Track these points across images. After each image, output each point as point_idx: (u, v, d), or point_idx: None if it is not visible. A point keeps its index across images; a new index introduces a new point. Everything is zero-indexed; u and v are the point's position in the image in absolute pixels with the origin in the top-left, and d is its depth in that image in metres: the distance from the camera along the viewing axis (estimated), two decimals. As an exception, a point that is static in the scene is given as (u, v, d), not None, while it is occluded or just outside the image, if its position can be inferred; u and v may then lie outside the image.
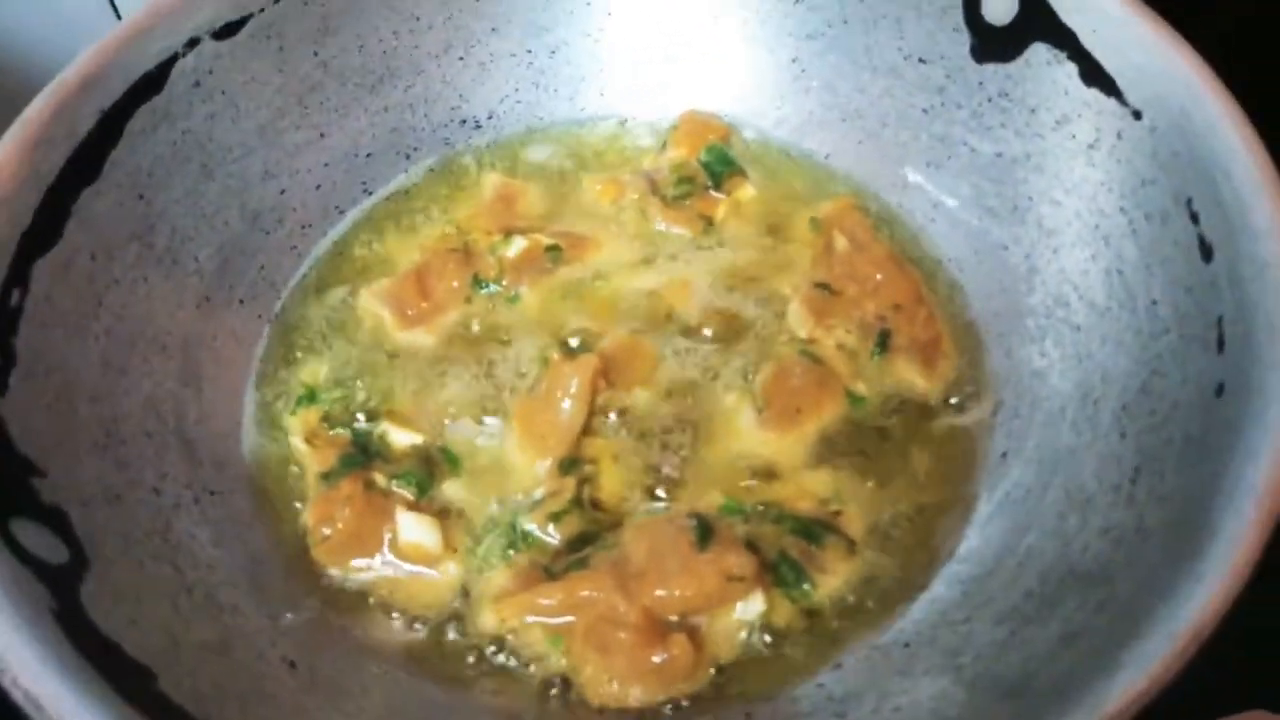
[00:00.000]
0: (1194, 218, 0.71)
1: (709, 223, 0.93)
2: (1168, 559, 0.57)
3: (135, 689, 0.55)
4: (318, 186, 0.94)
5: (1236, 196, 0.67)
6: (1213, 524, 0.55)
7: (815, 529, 0.74)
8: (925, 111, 0.93)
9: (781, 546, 0.73)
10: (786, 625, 0.71)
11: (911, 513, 0.76)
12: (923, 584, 0.73)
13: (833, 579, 0.72)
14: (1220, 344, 0.65)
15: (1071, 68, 0.82)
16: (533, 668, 0.71)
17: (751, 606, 0.70)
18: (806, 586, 0.72)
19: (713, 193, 0.95)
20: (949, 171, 0.92)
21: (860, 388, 0.82)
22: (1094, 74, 0.80)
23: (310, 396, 0.82)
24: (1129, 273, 0.77)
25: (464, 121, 1.01)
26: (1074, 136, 0.83)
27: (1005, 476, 0.76)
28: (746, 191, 0.95)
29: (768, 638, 0.71)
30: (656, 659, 0.68)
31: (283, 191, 0.92)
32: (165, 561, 0.68)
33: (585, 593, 0.70)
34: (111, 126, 0.80)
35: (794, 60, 0.98)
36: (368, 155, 0.97)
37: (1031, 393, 0.80)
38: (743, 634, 0.71)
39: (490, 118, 1.01)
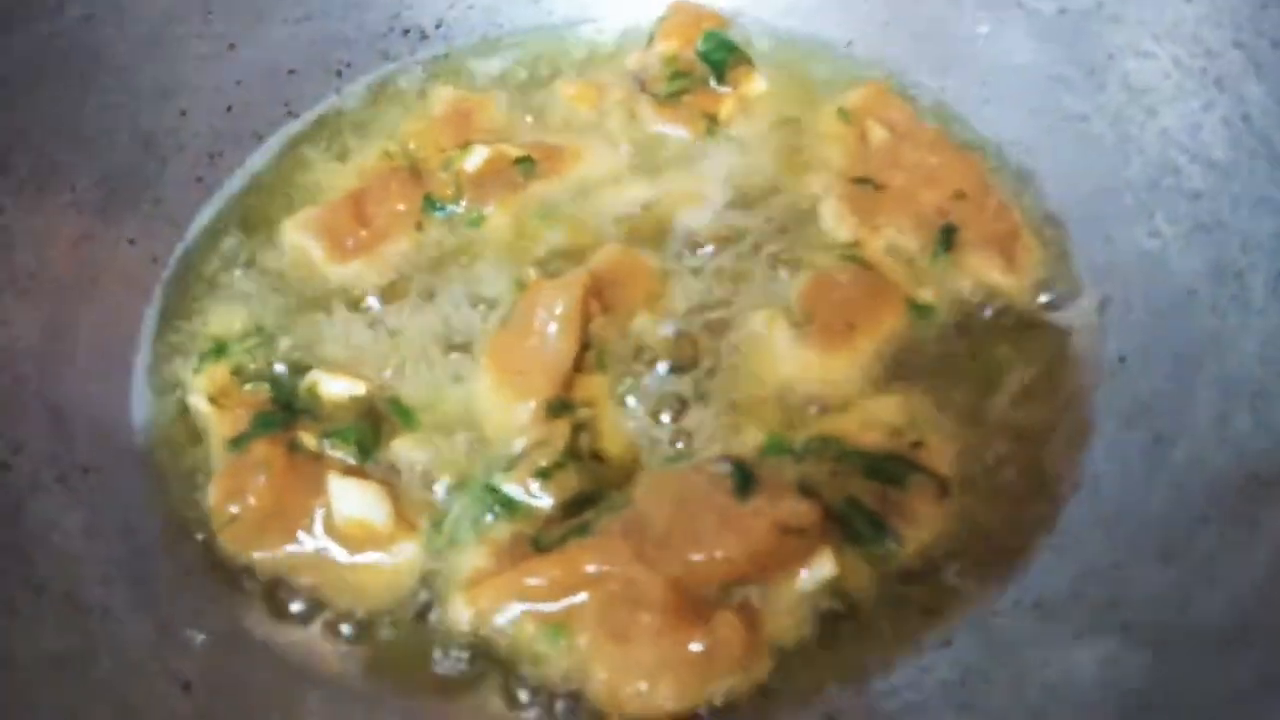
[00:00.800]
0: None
1: (713, 121, 0.76)
2: None
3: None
4: (229, 108, 0.76)
5: None
6: None
7: (891, 466, 0.56)
8: (965, -26, 0.76)
9: (849, 491, 0.55)
10: (867, 593, 0.53)
11: (1012, 439, 0.58)
12: (1043, 525, 0.54)
13: (922, 530, 0.54)
14: None
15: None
16: (526, 673, 0.51)
17: (819, 570, 0.52)
18: (889, 541, 0.53)
19: (715, 87, 0.77)
20: (1001, 41, 0.76)
21: (925, 294, 0.64)
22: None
23: (219, 350, 0.64)
24: (1257, 116, 0.61)
25: (406, 31, 0.84)
26: None
27: (1129, 383, 0.59)
28: (756, 85, 0.78)
29: (843, 610, 0.52)
30: (695, 646, 0.49)
31: (183, 112, 0.74)
32: (7, 552, 0.49)
33: (590, 567, 0.52)
34: (-52, 19, 0.62)
35: (798, -66, 0.82)
36: (290, 71, 0.79)
37: (1145, 280, 0.63)
38: (810, 607, 0.52)
39: (439, 26, 0.84)
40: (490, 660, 0.52)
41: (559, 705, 0.51)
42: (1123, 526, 0.52)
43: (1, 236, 0.62)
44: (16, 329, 0.60)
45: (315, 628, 0.54)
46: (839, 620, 0.52)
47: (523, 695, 0.51)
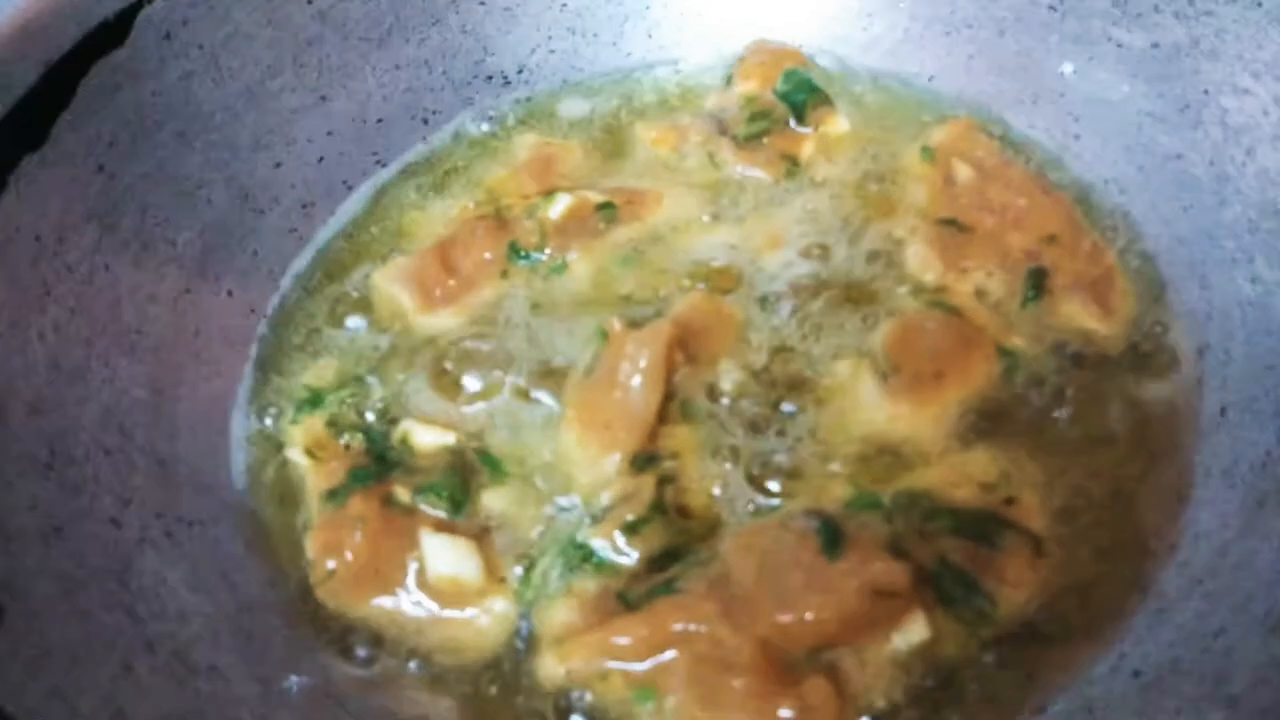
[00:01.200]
0: None
1: (793, 163, 0.76)
2: None
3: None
4: (320, 159, 0.79)
5: None
6: None
7: (984, 524, 0.55)
8: (1052, 8, 0.75)
9: (940, 551, 0.54)
10: (960, 657, 0.52)
11: (1108, 495, 0.57)
12: (1139, 587, 0.53)
13: (1016, 590, 0.53)
14: None
15: (1253, -85, 0.64)
16: (614, 732, 0.52)
17: (911, 633, 0.51)
18: (982, 603, 0.53)
19: (795, 127, 0.77)
20: (1091, 77, 0.75)
21: (1015, 341, 0.63)
22: (1289, -84, 0.62)
23: (314, 400, 0.66)
24: (1367, 159, 0.58)
25: (490, 77, 0.85)
26: (1260, 4, 0.65)
27: (1230, 437, 0.57)
28: (837, 124, 0.77)
29: (934, 676, 0.51)
30: (785, 712, 0.49)
31: (278, 165, 0.77)
32: (119, 610, 0.52)
33: (678, 625, 0.52)
34: (60, 83, 0.65)
35: (879, -31, 0.81)
36: (378, 121, 0.81)
37: (1246, 328, 0.61)
38: (901, 671, 0.51)
39: (520, 72, 0.86)
40: (579, 715, 0.53)
41: (647, 764, 0.51)
42: (1225, 592, 0.50)
43: (109, 294, 0.65)
44: (124, 385, 0.63)
45: (409, 678, 0.55)
46: (930, 685, 0.51)
47: (612, 754, 0.52)
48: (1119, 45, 0.72)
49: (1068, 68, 0.75)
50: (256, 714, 0.50)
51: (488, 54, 0.85)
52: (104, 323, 0.64)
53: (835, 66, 0.82)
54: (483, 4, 0.84)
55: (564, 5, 0.86)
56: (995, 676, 0.51)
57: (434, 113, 0.84)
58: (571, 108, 0.84)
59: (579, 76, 0.86)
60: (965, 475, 0.58)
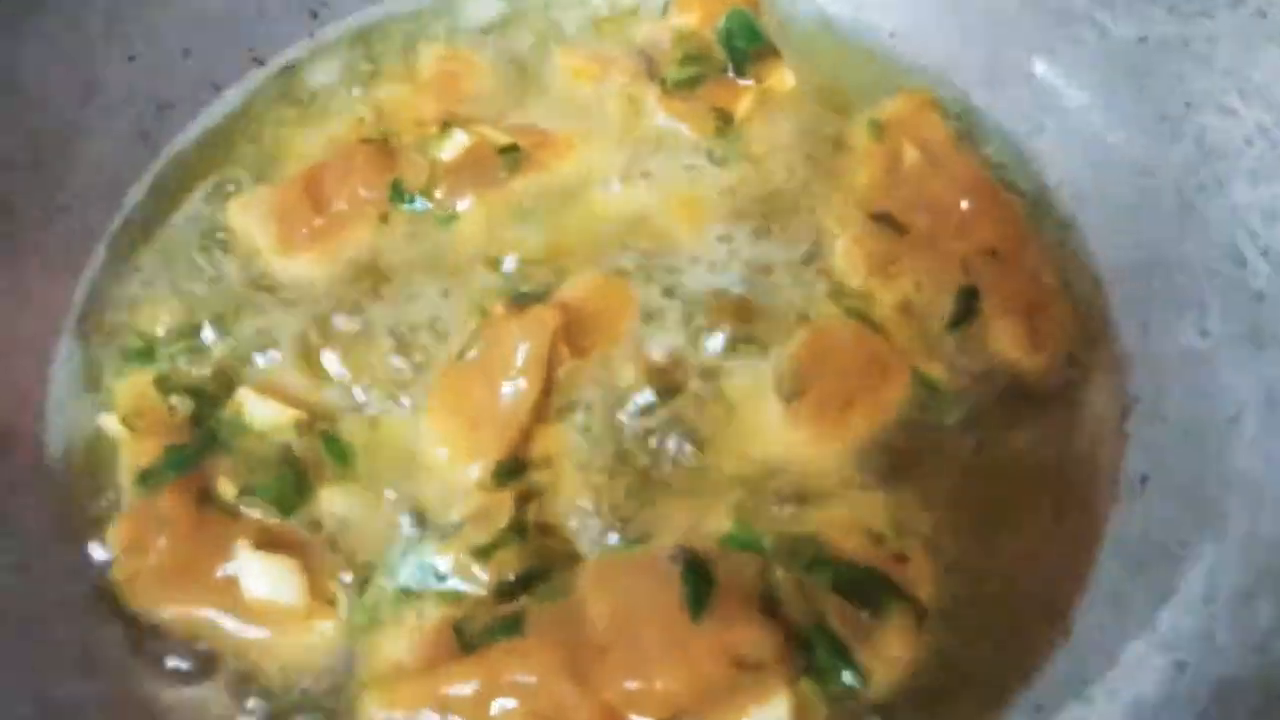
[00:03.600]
0: None
1: (726, 120, 0.68)
2: None
3: None
4: (185, 52, 0.70)
5: None
6: None
7: (869, 585, 0.51)
8: (1037, -26, 0.67)
9: (817, 608, 0.50)
10: (818, 738, 0.48)
11: (1005, 562, 0.52)
12: (1022, 679, 0.49)
13: (892, 668, 0.49)
14: None
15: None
16: (436, 788, 0.48)
17: (770, 712, 0.47)
18: (851, 678, 0.48)
19: (733, 78, 0.69)
20: (1068, 62, 0.68)
21: (935, 370, 0.57)
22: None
23: (145, 352, 0.59)
24: (1348, 217, 0.52)
25: (395, -36, 0.74)
26: (1264, 14, 0.58)
27: (1143, 511, 0.53)
28: (782, 79, 0.69)
29: (789, 755, 0.48)
30: (621, 791, 0.45)
31: (132, 58, 0.68)
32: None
33: (515, 676, 0.48)
34: None
35: (851, -100, 0.71)
36: (259, 12, 0.71)
37: (1185, 386, 0.57)
38: (753, 752, 0.48)
39: (431, -35, 0.74)
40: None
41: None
42: (1105, 697, 0.46)
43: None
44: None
45: (210, 695, 0.50)
46: (783, 766, 0.47)
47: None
48: (1103, 32, 0.66)
49: (1041, 47, 0.66)
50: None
51: (394, -64, 0.74)
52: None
53: (788, 6, 0.73)
54: None
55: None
56: (852, 763, 0.48)
57: (324, 5, 0.73)
58: (482, 8, 0.74)
59: (500, -30, 0.75)
60: (857, 521, 0.53)
